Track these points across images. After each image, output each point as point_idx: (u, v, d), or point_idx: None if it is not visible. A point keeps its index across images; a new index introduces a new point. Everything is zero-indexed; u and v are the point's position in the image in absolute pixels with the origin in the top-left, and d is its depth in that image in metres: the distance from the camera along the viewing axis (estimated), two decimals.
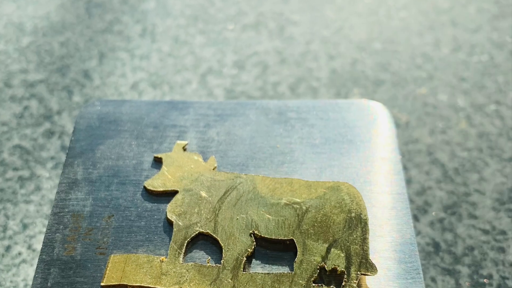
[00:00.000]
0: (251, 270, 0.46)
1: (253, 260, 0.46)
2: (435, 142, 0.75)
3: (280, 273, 0.45)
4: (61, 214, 0.48)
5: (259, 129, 0.57)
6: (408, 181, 0.69)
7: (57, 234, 0.47)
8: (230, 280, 0.44)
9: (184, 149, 0.54)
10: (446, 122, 0.78)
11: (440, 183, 0.70)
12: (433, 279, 0.59)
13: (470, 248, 0.62)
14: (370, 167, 0.54)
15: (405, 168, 0.71)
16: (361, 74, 0.87)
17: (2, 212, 0.62)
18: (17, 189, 0.65)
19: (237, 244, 0.46)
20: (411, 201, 0.67)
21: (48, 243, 0.46)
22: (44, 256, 0.45)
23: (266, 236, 0.47)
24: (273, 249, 0.47)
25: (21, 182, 0.66)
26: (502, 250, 0.62)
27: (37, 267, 0.44)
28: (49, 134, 0.72)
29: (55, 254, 0.45)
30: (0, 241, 0.60)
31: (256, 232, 0.47)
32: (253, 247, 0.46)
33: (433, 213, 0.65)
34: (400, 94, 0.83)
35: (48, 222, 0.48)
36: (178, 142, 0.55)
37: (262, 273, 0.45)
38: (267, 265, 0.46)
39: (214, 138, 0.56)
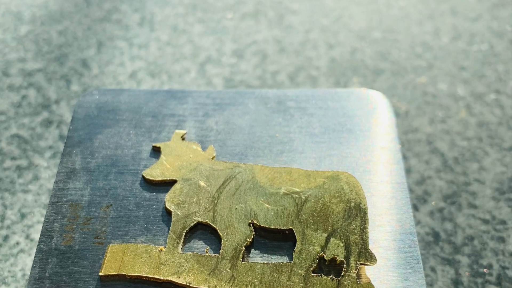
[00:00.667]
0: (250, 260, 0.45)
1: (252, 250, 0.46)
2: (435, 132, 0.75)
3: (279, 263, 0.44)
4: (59, 203, 0.48)
5: (258, 118, 0.57)
6: (408, 171, 0.69)
7: (55, 224, 0.47)
8: (229, 270, 0.44)
9: (183, 138, 0.54)
10: (446, 111, 0.78)
11: (440, 173, 0.70)
12: (433, 269, 0.59)
13: (470, 238, 0.62)
14: (370, 157, 0.54)
15: (404, 157, 0.71)
16: (361, 63, 0.87)
17: (0, 202, 0.62)
18: (15, 178, 0.65)
19: (236, 234, 0.46)
20: (411, 190, 0.67)
21: (46, 233, 0.46)
22: (42, 246, 0.45)
23: (265, 226, 0.47)
24: (272, 239, 0.47)
25: (19, 172, 0.66)
26: (502, 240, 0.62)
27: (35, 256, 0.44)
28: (47, 123, 0.72)
29: (53, 244, 0.45)
30: None
31: (255, 221, 0.47)
32: (252, 237, 0.46)
33: (433, 203, 0.65)
34: (399, 83, 0.83)
35: (46, 211, 0.47)
36: (177, 131, 0.54)
37: (261, 263, 0.44)
38: (266, 255, 0.46)
39: (213, 127, 0.56)
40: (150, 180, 0.50)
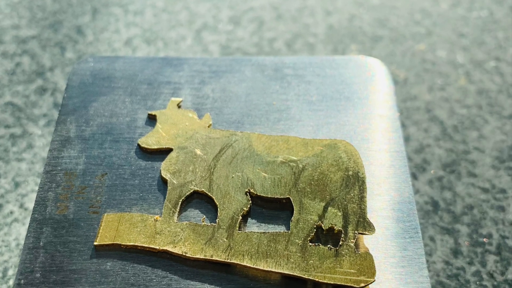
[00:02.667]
0: (247, 229, 0.45)
1: (249, 219, 0.46)
2: (434, 99, 0.74)
3: (276, 232, 0.44)
4: (54, 172, 0.48)
5: (255, 86, 0.57)
6: (407, 139, 0.69)
7: (50, 193, 0.46)
8: (225, 240, 0.44)
9: (179, 106, 0.53)
10: (445, 79, 0.77)
11: (439, 141, 0.69)
12: (432, 238, 0.59)
13: (469, 207, 0.62)
14: (368, 125, 0.53)
15: (403, 125, 0.70)
16: (359, 30, 0.86)
17: None
18: (8, 146, 0.64)
19: (232, 203, 0.46)
20: (410, 159, 0.66)
21: (40, 202, 0.46)
22: (36, 215, 0.45)
23: (262, 195, 0.46)
24: (269, 208, 0.47)
25: (13, 140, 0.65)
26: (502, 209, 0.61)
27: (29, 226, 0.44)
28: (41, 91, 0.71)
29: (47, 213, 0.45)
30: None
31: (251, 190, 0.47)
32: (248, 206, 0.46)
33: (432, 171, 0.65)
34: (398, 50, 0.83)
35: (41, 180, 0.47)
36: (173, 99, 0.54)
37: (258, 232, 0.44)
38: (263, 224, 0.46)
39: (209, 95, 0.55)
40: (146, 149, 0.50)
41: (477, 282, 0.55)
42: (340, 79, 0.57)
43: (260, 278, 0.43)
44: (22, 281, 0.41)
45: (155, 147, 0.50)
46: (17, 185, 0.62)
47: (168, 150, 0.49)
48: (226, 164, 0.49)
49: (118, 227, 0.44)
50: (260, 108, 0.54)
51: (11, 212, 0.60)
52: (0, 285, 0.56)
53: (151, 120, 0.52)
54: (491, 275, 0.56)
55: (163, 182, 0.48)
